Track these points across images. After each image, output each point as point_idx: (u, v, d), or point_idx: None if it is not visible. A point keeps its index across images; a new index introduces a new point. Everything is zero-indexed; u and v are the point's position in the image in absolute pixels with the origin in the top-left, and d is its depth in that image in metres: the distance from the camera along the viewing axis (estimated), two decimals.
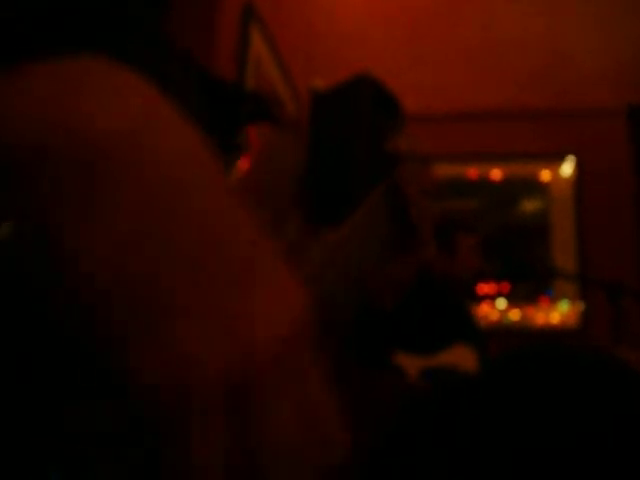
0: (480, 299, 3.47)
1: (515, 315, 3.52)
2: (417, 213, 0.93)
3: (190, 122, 0.29)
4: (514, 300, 3.54)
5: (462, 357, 1.99)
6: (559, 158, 3.61)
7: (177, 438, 0.25)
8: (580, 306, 3.43)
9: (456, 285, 2.32)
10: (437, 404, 0.77)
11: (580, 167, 3.55)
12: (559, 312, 3.49)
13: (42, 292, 0.25)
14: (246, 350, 0.26)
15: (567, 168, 3.59)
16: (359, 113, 1.36)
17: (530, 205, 3.65)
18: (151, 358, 0.25)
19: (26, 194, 0.25)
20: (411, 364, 1.88)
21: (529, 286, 3.55)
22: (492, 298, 3.53)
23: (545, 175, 3.64)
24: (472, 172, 3.68)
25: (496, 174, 3.66)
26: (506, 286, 3.54)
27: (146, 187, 0.26)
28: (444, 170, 3.63)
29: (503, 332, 3.42)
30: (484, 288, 3.50)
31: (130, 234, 0.25)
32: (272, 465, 0.26)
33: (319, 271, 0.45)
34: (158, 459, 0.25)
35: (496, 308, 3.53)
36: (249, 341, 0.26)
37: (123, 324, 0.25)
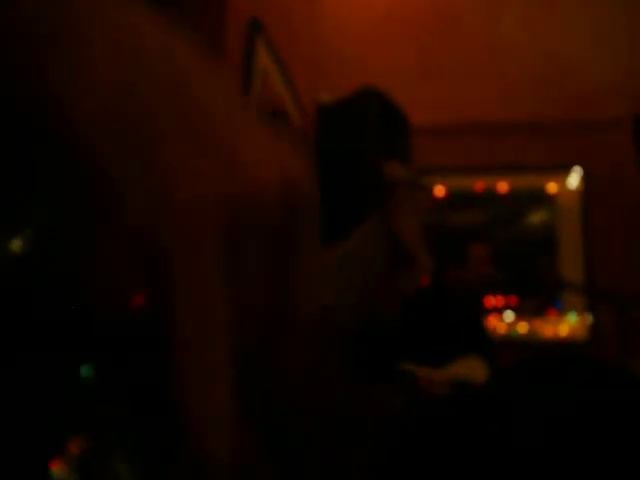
0: (488, 312, 3.46)
1: (523, 328, 3.51)
2: (403, 232, 0.94)
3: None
4: (522, 313, 3.52)
5: (473, 369, 1.97)
6: (565, 170, 3.60)
7: (179, 268, 0.24)
8: (588, 318, 3.41)
9: (468, 294, 2.32)
10: (445, 416, 0.77)
11: (586, 179, 3.54)
12: (567, 324, 3.47)
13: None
14: (244, 185, 0.26)
15: (573, 180, 3.58)
16: (365, 126, 1.36)
17: (537, 217, 3.64)
18: (140, 181, 0.24)
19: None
20: (434, 376, 1.87)
21: (537, 299, 3.53)
22: (500, 311, 3.52)
23: (552, 187, 3.63)
24: (479, 185, 3.67)
25: (502, 187, 3.66)
26: (514, 299, 3.52)
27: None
28: (451, 183, 3.63)
29: (511, 345, 3.39)
30: (492, 301, 3.49)
31: (124, 78, 0.25)
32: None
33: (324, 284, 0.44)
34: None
35: (504, 321, 3.52)
36: (247, 176, 0.26)
37: (113, 141, 0.24)
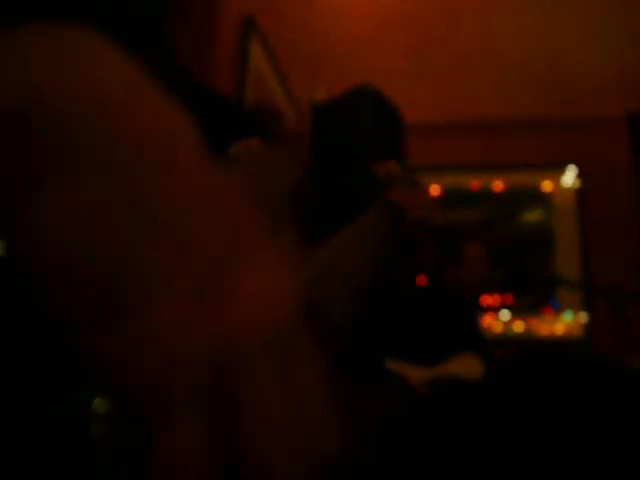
0: (484, 310, 3.45)
1: (519, 326, 3.50)
2: (413, 224, 0.93)
3: (172, 102, 0.28)
4: (518, 311, 3.52)
5: (468, 366, 1.97)
6: (560, 168, 3.60)
7: (159, 427, 0.23)
8: (584, 316, 3.41)
9: (464, 293, 2.32)
10: (439, 411, 0.76)
11: (582, 176, 3.54)
12: (563, 323, 3.46)
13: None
14: (231, 333, 0.24)
15: (569, 178, 3.58)
16: (360, 125, 1.35)
17: (532, 216, 3.64)
18: (123, 344, 0.23)
19: None
20: (416, 374, 1.87)
21: (533, 296, 3.53)
22: (496, 310, 3.51)
23: (547, 185, 3.62)
24: (474, 183, 3.67)
25: (498, 185, 3.65)
26: (509, 297, 3.52)
27: (120, 157, 0.24)
28: (446, 182, 3.62)
29: (507, 344, 3.39)
30: (487, 300, 3.48)
31: (101, 204, 0.24)
32: (260, 454, 0.25)
33: (317, 277, 0.44)
34: (141, 451, 0.23)
35: (500, 320, 3.51)
36: (234, 324, 0.25)
37: (92, 304, 0.23)
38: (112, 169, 0.24)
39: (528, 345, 3.39)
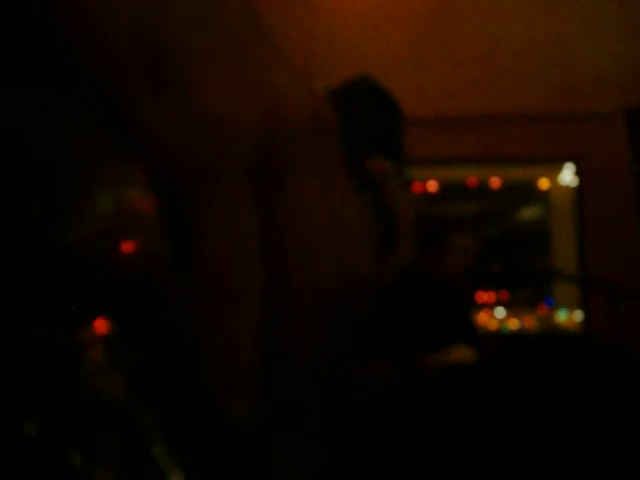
0: (479, 307, 3.46)
1: (514, 324, 3.49)
2: (397, 216, 0.93)
3: None
4: (513, 308, 3.51)
5: (461, 356, 1.98)
6: (558, 164, 3.58)
7: (207, 203, 0.22)
8: (579, 314, 3.40)
9: (446, 282, 2.32)
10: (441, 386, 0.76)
11: (579, 172, 3.53)
12: (558, 320, 3.46)
13: None
14: (279, 110, 0.24)
15: (566, 174, 3.57)
16: (358, 115, 1.33)
17: (530, 212, 3.63)
18: (172, 116, 0.22)
19: None
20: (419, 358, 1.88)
21: (528, 291, 3.53)
22: (491, 307, 3.51)
23: (544, 181, 3.61)
24: (471, 179, 3.65)
25: (495, 182, 3.64)
26: (505, 295, 3.51)
27: None
28: (443, 176, 3.61)
29: (502, 341, 3.39)
30: (483, 297, 3.48)
31: None
32: (299, 253, 0.24)
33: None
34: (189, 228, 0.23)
35: (495, 317, 3.50)
36: (281, 101, 0.24)
37: (141, 74, 0.22)
38: None
39: (522, 342, 3.39)
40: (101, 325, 0.24)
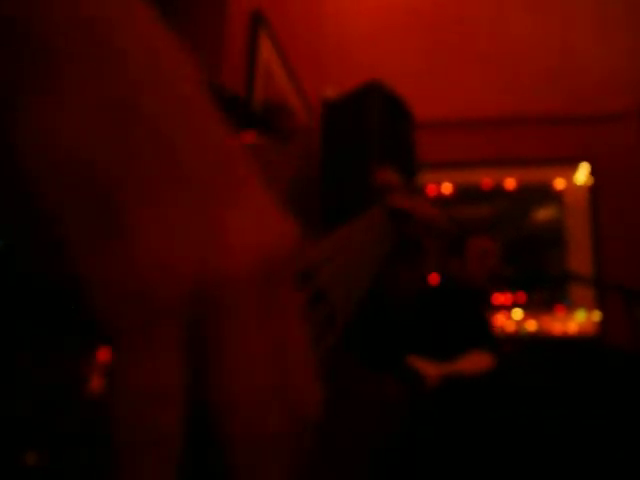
0: (496, 310, 3.44)
1: (532, 325, 3.48)
2: (420, 227, 0.92)
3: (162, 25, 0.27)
4: (531, 310, 3.49)
5: (480, 363, 1.96)
6: (573, 164, 3.57)
7: (134, 350, 0.22)
8: (597, 314, 3.38)
9: (468, 287, 2.30)
10: (447, 402, 0.76)
11: (594, 174, 3.51)
12: (576, 321, 3.44)
13: None
14: (219, 264, 0.23)
15: (581, 174, 3.55)
16: (369, 121, 1.33)
17: (545, 213, 3.61)
18: (109, 263, 0.22)
19: None
20: (429, 370, 1.87)
21: (545, 294, 3.51)
22: (508, 309, 3.49)
23: (560, 181, 3.59)
24: (486, 181, 3.64)
25: (510, 183, 3.63)
26: (522, 296, 3.49)
27: (126, 68, 0.24)
28: (458, 179, 3.60)
29: (520, 342, 3.37)
30: (500, 298, 3.46)
31: (102, 111, 0.23)
32: (235, 398, 0.24)
33: (318, 267, 0.42)
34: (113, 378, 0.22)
35: (512, 319, 3.49)
36: (224, 253, 0.24)
37: (76, 222, 0.22)
38: (119, 80, 0.23)
39: (541, 344, 3.37)
40: (103, 354, 0.25)
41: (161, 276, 0.22)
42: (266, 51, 2.46)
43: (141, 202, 0.23)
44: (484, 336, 2.17)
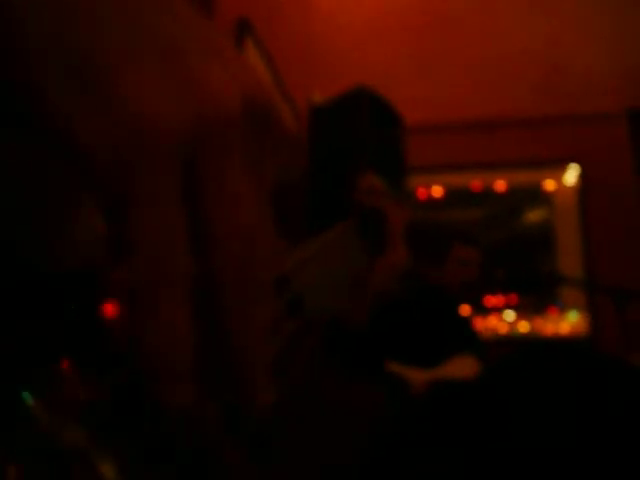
0: (488, 311, 3.44)
1: (524, 327, 3.48)
2: (387, 223, 0.93)
3: None
4: (523, 311, 3.50)
5: (465, 368, 1.96)
6: (562, 166, 3.57)
7: (135, 202, 0.23)
8: (589, 315, 3.39)
9: (449, 294, 2.30)
10: (435, 411, 0.75)
11: (583, 174, 3.52)
12: (568, 322, 3.45)
13: None
14: (207, 105, 0.24)
15: (570, 176, 3.56)
16: (356, 126, 1.33)
17: (534, 215, 3.62)
18: (91, 117, 0.23)
19: None
20: (415, 376, 1.86)
21: (537, 296, 3.51)
22: (500, 310, 3.49)
23: (549, 184, 3.60)
24: (476, 184, 3.65)
25: (500, 185, 3.63)
26: (514, 298, 3.50)
27: None
28: (448, 182, 3.60)
29: (512, 344, 3.37)
30: (492, 300, 3.46)
31: None
32: (225, 230, 0.25)
33: (296, 271, 0.43)
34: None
35: (505, 320, 3.49)
36: (210, 96, 0.25)
37: (61, 77, 0.23)
38: None
39: (533, 345, 3.37)
40: (66, 365, 0.25)
41: (150, 121, 0.23)
42: (252, 57, 2.46)
43: (119, 54, 0.23)
44: (468, 341, 2.17)
